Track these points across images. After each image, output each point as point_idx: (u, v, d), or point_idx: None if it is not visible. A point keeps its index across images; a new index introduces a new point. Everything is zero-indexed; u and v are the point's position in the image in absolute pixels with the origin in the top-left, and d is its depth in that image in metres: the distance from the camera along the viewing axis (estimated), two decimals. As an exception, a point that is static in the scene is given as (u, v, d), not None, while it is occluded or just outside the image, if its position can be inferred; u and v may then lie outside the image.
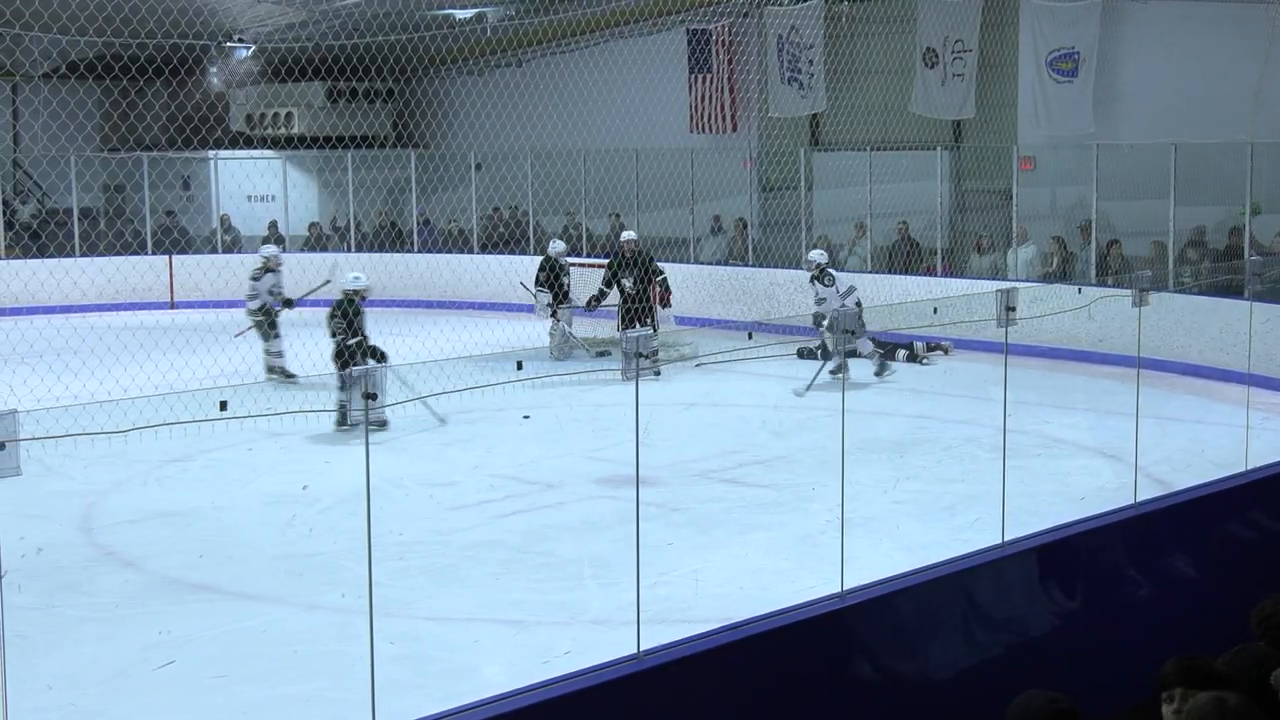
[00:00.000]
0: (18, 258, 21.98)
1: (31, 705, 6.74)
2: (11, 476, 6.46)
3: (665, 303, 16.56)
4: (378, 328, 17.59)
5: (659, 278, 16.54)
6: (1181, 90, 17.82)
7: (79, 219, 22.98)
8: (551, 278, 16.79)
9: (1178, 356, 15.02)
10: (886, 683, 5.90)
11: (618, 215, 22.05)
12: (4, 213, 22.95)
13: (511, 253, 22.64)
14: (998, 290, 6.79)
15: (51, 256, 21.62)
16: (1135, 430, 7.98)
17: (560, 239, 17.62)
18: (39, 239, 22.21)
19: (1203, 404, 13.77)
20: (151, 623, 7.86)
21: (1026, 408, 13.29)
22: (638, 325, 15.73)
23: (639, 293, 16.33)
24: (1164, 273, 15.99)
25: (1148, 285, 7.88)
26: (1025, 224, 18.49)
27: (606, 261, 17.20)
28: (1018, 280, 16.91)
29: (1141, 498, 7.37)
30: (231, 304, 21.40)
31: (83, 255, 22.22)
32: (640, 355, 5.56)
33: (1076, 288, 15.00)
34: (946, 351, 16.69)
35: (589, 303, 16.74)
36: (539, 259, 17.41)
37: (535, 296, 16.91)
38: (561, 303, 16.72)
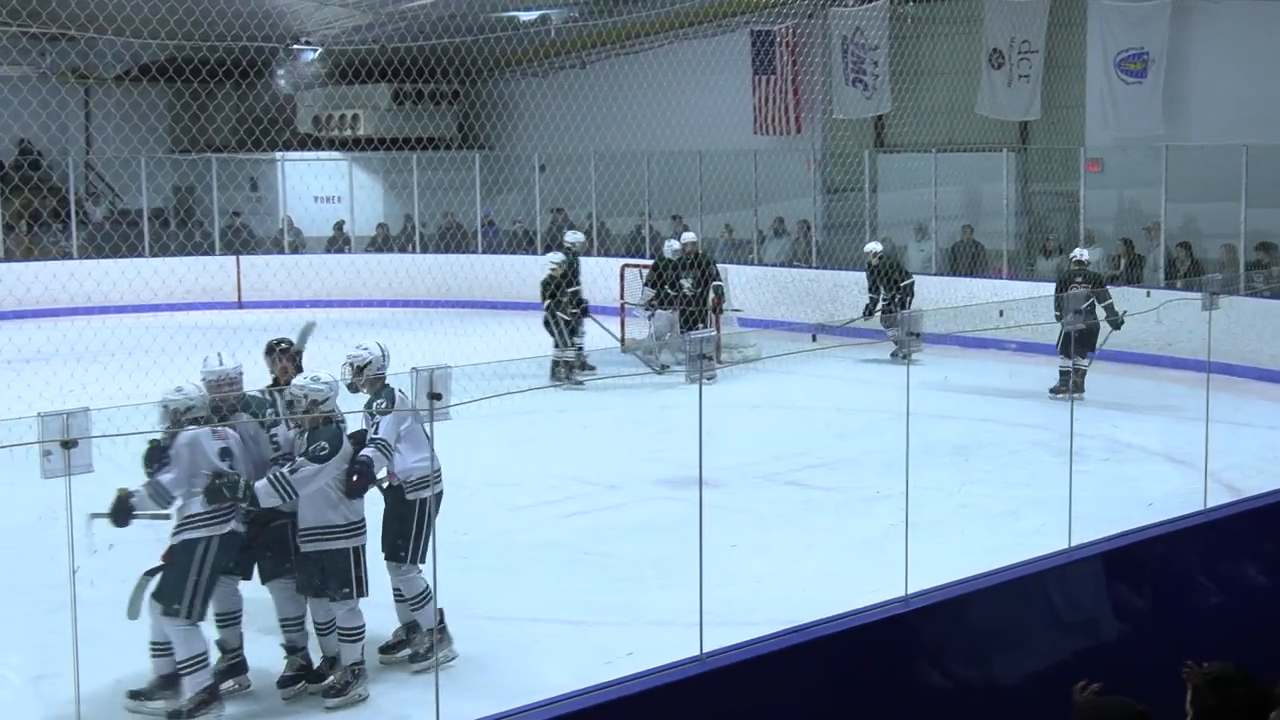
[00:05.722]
0: (90, 258, 22.30)
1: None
2: (84, 473, 6.55)
3: (717, 309, 16.48)
4: (441, 327, 17.66)
5: (715, 282, 16.48)
6: (1253, 91, 17.54)
7: (149, 220, 23.28)
8: (658, 279, 16.69)
9: (1249, 361, 14.81)
10: (951, 687, 5.87)
11: (679, 217, 22.05)
12: (77, 214, 23.29)
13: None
14: (1069, 293, 6.73)
15: (123, 257, 21.91)
16: (1205, 435, 7.87)
17: (674, 239, 17.42)
18: (111, 239, 22.52)
19: (1275, 409, 13.57)
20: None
21: (1094, 412, 13.17)
22: (700, 327, 15.69)
23: (698, 295, 16.29)
24: (1235, 276, 15.77)
25: (1218, 289, 7.78)
26: (1092, 226, 18.29)
27: (652, 262, 17.12)
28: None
29: (1212, 504, 7.27)
30: (299, 304, 21.62)
31: (153, 255, 22.54)
32: (704, 357, 5.56)
33: (1145, 291, 14.83)
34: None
35: (648, 304, 16.70)
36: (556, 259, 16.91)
37: (642, 293, 16.88)
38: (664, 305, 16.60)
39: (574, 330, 15.73)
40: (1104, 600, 6.56)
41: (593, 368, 16.12)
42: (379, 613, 7.36)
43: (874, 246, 17.35)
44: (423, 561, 7.34)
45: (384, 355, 7.42)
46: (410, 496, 7.29)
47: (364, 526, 7.04)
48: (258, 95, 24.14)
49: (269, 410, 7.04)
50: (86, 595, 6.93)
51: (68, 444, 5.81)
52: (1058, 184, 19.65)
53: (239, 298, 22.61)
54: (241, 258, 23.04)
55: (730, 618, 7.31)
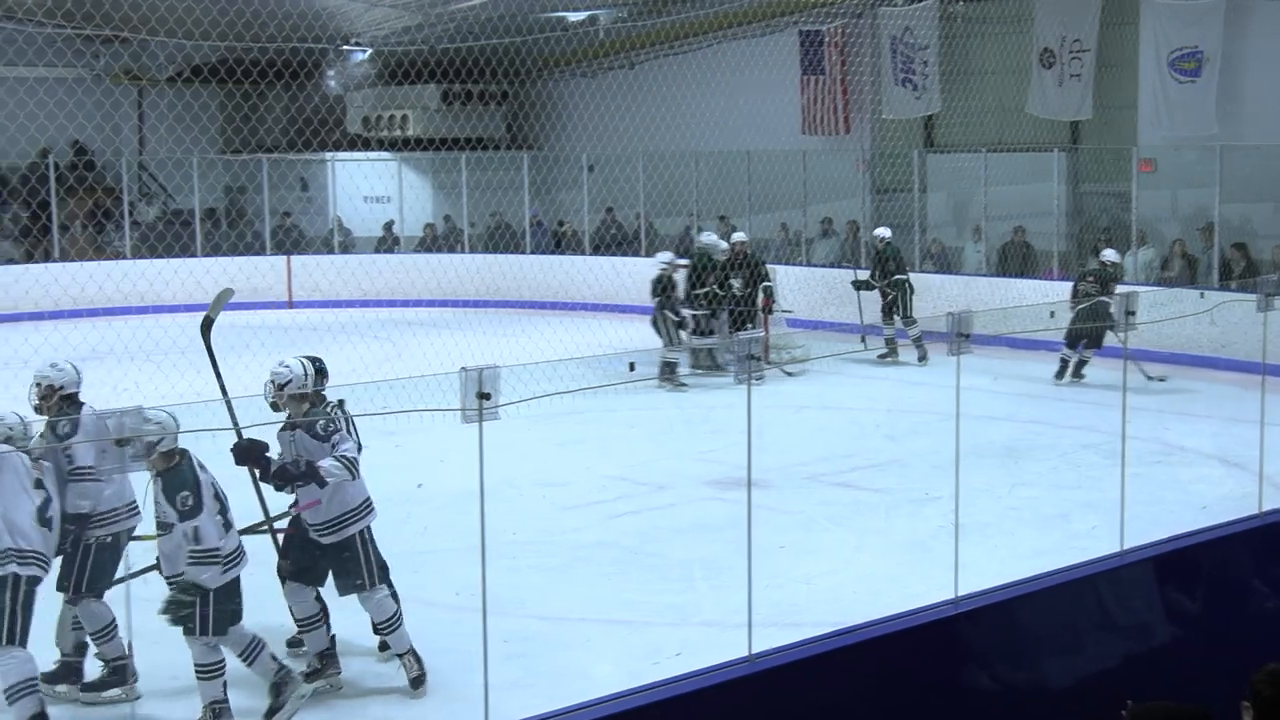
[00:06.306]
0: (143, 258, 22.51)
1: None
2: (141, 471, 6.60)
3: (768, 309, 16.44)
4: (489, 327, 17.72)
5: (765, 283, 16.43)
6: (1309, 90, 17.35)
7: (201, 220, 23.51)
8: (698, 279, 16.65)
9: (1305, 363, 14.61)
10: (1001, 691, 5.84)
11: (725, 218, 22.02)
12: (130, 214, 23.55)
13: (624, 254, 22.69)
14: (1118, 294, 6.68)
15: (175, 256, 22.12)
16: (1260, 438, 7.78)
17: (710, 235, 17.35)
18: (164, 239, 22.76)
19: (1331, 412, 13.39)
20: (262, 621, 7.98)
21: (1146, 414, 13.04)
22: (748, 327, 15.68)
23: (747, 295, 16.25)
24: (1290, 277, 15.58)
25: (1274, 289, 7.70)
26: (1145, 227, 18.13)
27: (688, 263, 16.92)
28: (1136, 284, 16.58)
29: (1267, 507, 7.20)
30: (349, 303, 21.77)
31: (204, 255, 22.75)
32: (752, 358, 5.56)
33: (1199, 292, 14.70)
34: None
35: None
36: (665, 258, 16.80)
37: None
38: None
39: (688, 329, 15.81)
40: (1156, 604, 6.50)
41: (721, 367, 16.13)
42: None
43: (881, 231, 17.32)
44: (385, 580, 7.22)
45: (305, 373, 7.19)
46: (347, 532, 7.15)
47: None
48: (308, 96, 24.33)
49: (63, 424, 6.95)
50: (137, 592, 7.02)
51: (121, 442, 5.90)
52: (1110, 184, 19.47)
53: (289, 297, 22.79)
54: (292, 257, 23.21)
55: (779, 619, 7.32)
